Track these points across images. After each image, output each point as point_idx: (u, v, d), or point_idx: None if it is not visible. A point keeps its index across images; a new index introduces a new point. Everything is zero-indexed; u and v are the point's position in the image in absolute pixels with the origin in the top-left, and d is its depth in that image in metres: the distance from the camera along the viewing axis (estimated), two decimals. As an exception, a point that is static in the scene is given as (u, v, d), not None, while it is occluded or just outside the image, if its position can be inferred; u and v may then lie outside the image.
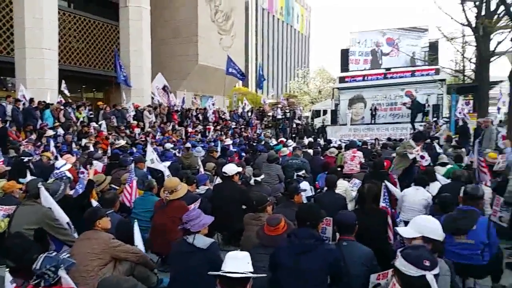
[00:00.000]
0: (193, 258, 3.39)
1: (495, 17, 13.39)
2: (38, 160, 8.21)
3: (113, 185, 6.16)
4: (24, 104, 12.36)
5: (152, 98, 18.79)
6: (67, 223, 3.96)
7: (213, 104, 20.74)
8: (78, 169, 6.76)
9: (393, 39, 25.57)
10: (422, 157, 6.85)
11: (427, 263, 2.07)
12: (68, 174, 5.68)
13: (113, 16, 19.95)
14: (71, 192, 5.37)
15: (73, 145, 10.97)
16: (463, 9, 14.27)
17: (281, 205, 4.81)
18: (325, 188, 5.72)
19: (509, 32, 12.76)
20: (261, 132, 20.66)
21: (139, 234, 4.09)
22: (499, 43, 14.12)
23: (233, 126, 19.86)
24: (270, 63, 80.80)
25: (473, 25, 13.90)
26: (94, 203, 4.78)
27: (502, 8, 11.59)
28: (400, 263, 2.14)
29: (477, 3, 13.62)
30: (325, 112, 28.63)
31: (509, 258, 4.59)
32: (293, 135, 21.86)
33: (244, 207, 5.42)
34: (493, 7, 13.56)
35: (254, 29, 76.07)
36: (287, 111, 25.66)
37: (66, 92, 14.99)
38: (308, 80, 53.68)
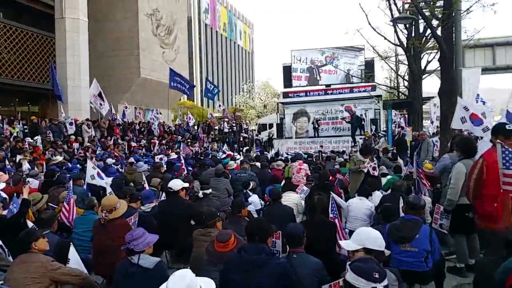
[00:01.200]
0: (139, 279, 3.23)
1: (424, 38, 14.47)
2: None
3: (50, 204, 5.75)
4: None
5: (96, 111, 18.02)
6: (0, 246, 3.61)
7: (155, 117, 20.25)
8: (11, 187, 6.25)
9: (332, 58, 26.73)
10: (374, 168, 7.13)
11: (377, 275, 2.12)
12: (3, 194, 5.24)
13: (48, 28, 18.99)
14: (5, 212, 4.95)
15: (6, 161, 10.15)
16: (395, 30, 15.28)
17: (228, 221, 4.74)
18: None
19: (436, 52, 13.79)
20: (208, 146, 20.51)
21: (76, 256, 3.81)
22: (428, 62, 15.25)
23: (179, 140, 19.52)
24: (215, 77, 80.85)
25: (405, 45, 14.89)
26: (30, 224, 4.41)
27: (429, 30, 12.56)
28: (350, 276, 2.17)
29: (407, 25, 14.62)
30: (271, 125, 29.16)
31: (449, 261, 4.85)
32: (240, 149, 21.93)
33: (193, 222, 5.29)
34: (421, 29, 14.66)
35: (198, 43, 76.07)
36: (234, 124, 25.79)
37: None
38: (253, 94, 54.41)
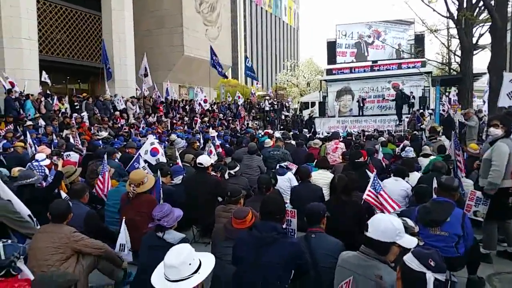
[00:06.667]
0: (162, 252, 3.27)
1: (476, 9, 13.34)
2: (12, 152, 8.02)
3: (80, 178, 5.97)
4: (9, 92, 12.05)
5: (137, 89, 18.51)
6: (29, 215, 3.79)
7: (204, 102, 20.47)
8: (54, 161, 6.57)
9: (379, 32, 25.50)
10: None
11: (432, 263, 2.03)
12: (47, 171, 5.51)
13: (95, 6, 19.54)
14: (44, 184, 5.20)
15: (54, 136, 10.74)
16: (445, 1, 14.23)
17: (252, 198, 4.69)
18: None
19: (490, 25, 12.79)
20: (248, 124, 20.57)
21: (124, 233, 3.85)
22: (481, 35, 14.13)
23: (220, 118, 19.72)
24: (259, 55, 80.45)
25: (455, 17, 13.85)
26: (64, 195, 4.61)
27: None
28: (407, 257, 2.12)
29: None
30: (313, 104, 28.57)
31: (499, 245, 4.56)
32: (281, 127, 21.79)
33: (220, 199, 5.31)
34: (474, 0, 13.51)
35: (243, 20, 75.61)
36: (275, 103, 25.56)
37: (48, 82, 14.68)
38: (297, 72, 53.45)
